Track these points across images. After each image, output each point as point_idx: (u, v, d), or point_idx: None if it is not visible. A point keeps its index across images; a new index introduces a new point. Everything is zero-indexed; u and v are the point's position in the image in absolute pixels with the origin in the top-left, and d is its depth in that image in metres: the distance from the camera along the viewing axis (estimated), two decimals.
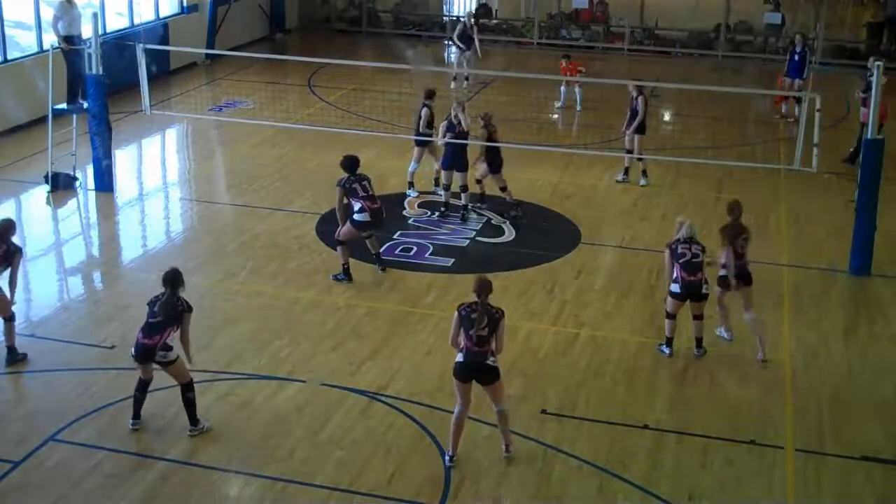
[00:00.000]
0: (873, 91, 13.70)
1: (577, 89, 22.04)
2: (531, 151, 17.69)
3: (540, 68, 25.67)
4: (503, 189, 15.44)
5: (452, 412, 9.39)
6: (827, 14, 28.24)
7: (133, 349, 9.65)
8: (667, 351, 11.50)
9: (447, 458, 9.44)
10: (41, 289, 13.15)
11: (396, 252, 14.17)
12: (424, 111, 15.70)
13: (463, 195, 15.27)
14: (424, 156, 16.06)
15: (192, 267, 13.63)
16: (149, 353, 9.53)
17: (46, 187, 16.14)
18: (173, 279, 9.67)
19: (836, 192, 16.95)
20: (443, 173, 15.30)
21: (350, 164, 12.98)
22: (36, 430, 9.67)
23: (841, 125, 20.27)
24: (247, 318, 12.21)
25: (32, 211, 15.89)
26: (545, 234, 15.11)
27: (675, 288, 11.23)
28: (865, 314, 12.99)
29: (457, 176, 15.16)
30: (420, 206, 15.90)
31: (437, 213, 15.48)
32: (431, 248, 14.36)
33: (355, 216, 12.87)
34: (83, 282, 13.67)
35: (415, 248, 14.32)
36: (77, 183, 16.52)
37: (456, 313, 9.27)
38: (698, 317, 11.39)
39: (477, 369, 9.21)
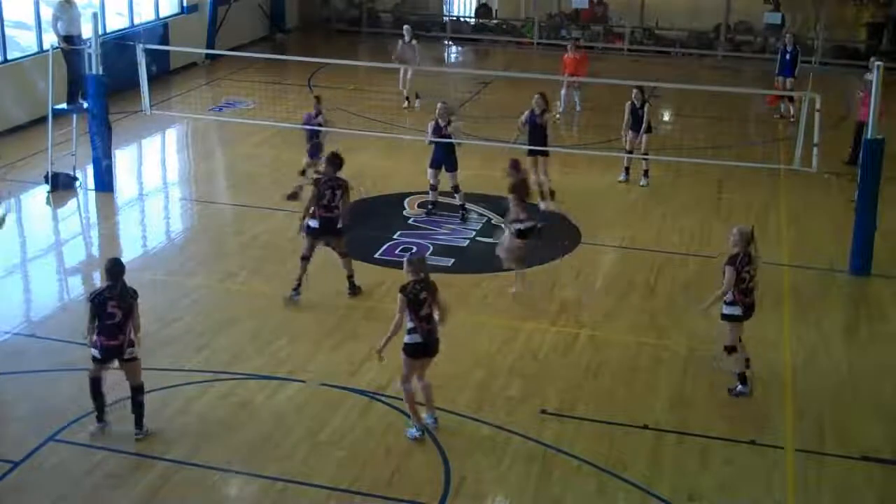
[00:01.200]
0: (873, 91, 13.70)
1: (575, 93, 21.76)
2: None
3: (540, 68, 25.65)
4: (303, 173, 15.94)
5: (422, 409, 9.59)
6: (827, 14, 28.26)
7: (97, 352, 9.34)
8: (745, 389, 10.64)
9: (417, 431, 9.65)
10: (41, 289, 13.16)
11: (396, 252, 14.17)
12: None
13: (457, 195, 15.33)
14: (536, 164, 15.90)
15: (192, 267, 13.65)
16: (115, 352, 9.36)
17: (46, 187, 16.14)
18: (120, 270, 9.35)
19: (836, 192, 16.96)
20: (429, 172, 15.43)
21: (338, 162, 12.55)
22: (36, 430, 9.66)
23: (841, 125, 20.27)
24: (247, 318, 12.20)
25: (32, 211, 15.90)
26: (545, 234, 15.07)
27: (736, 311, 10.46)
28: (865, 314, 12.99)
29: (447, 176, 15.25)
30: (420, 205, 15.90)
31: (425, 212, 15.60)
32: (431, 248, 14.36)
33: (309, 221, 12.46)
34: (83, 282, 13.66)
35: (415, 249, 14.32)
36: (77, 183, 16.52)
37: (402, 296, 9.37)
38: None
39: (433, 346, 9.58)
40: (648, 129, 17.02)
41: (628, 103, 16.85)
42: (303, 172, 15.96)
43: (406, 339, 9.49)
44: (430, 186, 15.50)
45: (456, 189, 15.32)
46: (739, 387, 10.66)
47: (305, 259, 12.56)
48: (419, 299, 9.39)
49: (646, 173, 17.18)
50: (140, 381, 9.60)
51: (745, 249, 10.38)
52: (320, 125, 16.17)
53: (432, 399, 9.94)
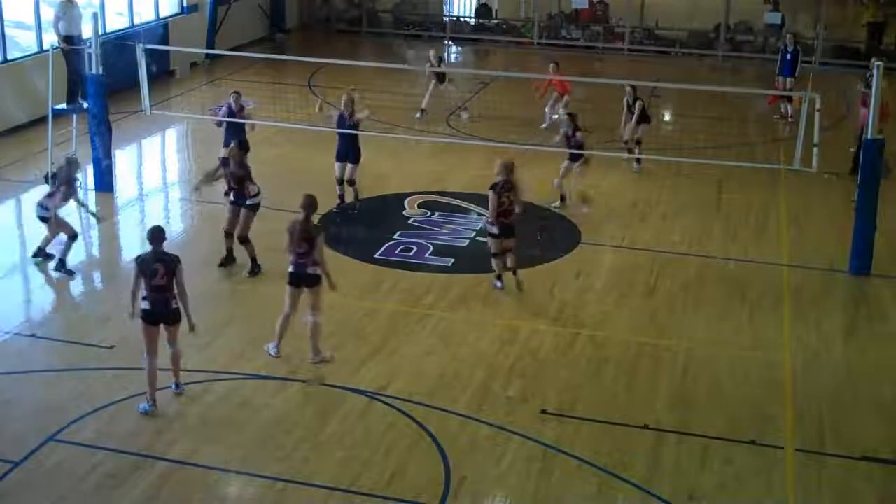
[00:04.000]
0: (873, 91, 13.69)
1: (561, 110, 19.82)
2: (531, 151, 17.68)
3: (540, 68, 25.61)
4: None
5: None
6: (827, 14, 28.26)
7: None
8: (500, 284, 12.97)
9: (149, 406, 9.97)
10: (41, 289, 13.15)
11: (396, 252, 14.17)
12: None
13: (352, 188, 15.44)
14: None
15: (192, 267, 13.60)
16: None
17: (46, 187, 16.09)
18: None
19: (837, 192, 16.96)
20: (336, 165, 15.46)
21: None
22: (36, 430, 9.67)
23: (841, 125, 20.28)
24: (247, 317, 12.20)
25: (32, 211, 15.85)
26: (545, 235, 15.09)
27: (494, 230, 12.66)
28: (865, 314, 12.99)
29: (348, 168, 15.35)
30: (420, 205, 15.90)
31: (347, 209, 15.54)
32: (431, 248, 14.36)
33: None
34: (83, 282, 13.66)
35: (415, 248, 14.32)
36: (77, 183, 16.46)
37: (134, 266, 9.97)
38: (511, 249, 12.84)
39: (164, 314, 10.04)
40: (647, 120, 17.73)
41: (624, 98, 17.79)
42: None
43: (141, 304, 9.97)
44: (336, 180, 15.46)
45: (351, 183, 15.39)
46: (497, 283, 12.98)
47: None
48: (152, 270, 9.88)
49: (638, 160, 17.67)
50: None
51: (506, 178, 12.51)
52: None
53: (178, 366, 10.32)
